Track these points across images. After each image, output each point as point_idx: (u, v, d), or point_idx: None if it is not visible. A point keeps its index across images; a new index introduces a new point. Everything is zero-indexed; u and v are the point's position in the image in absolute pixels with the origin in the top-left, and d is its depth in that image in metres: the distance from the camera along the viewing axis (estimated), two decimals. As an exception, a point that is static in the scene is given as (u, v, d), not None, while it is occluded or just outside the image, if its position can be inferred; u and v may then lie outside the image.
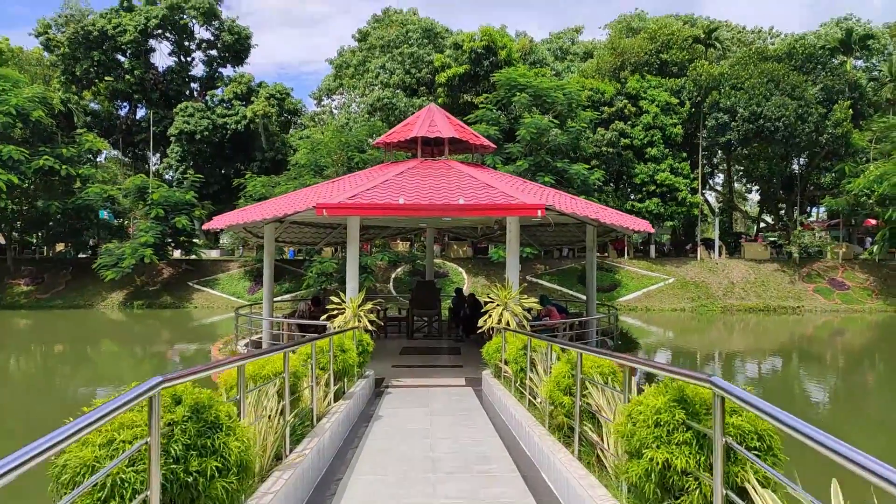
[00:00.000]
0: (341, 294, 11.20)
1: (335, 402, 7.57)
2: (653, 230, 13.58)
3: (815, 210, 51.25)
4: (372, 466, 5.85)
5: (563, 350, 6.52)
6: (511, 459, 6.05)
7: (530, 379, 7.38)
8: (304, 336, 12.98)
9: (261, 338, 15.06)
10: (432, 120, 15.05)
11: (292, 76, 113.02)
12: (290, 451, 5.05)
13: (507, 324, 10.91)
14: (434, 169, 13.93)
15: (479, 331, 11.32)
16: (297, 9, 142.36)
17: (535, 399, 7.18)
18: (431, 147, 15.64)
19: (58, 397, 15.54)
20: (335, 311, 11.13)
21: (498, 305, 11.12)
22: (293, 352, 6.11)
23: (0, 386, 17.00)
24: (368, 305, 11.24)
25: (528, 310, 11.58)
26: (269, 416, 4.65)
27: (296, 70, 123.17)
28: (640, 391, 3.88)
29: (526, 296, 11.48)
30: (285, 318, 14.09)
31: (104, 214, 44.92)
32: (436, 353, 15.14)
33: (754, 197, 60.34)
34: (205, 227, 14.95)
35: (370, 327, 10.94)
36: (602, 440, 4.51)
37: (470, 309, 17.02)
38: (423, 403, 9.40)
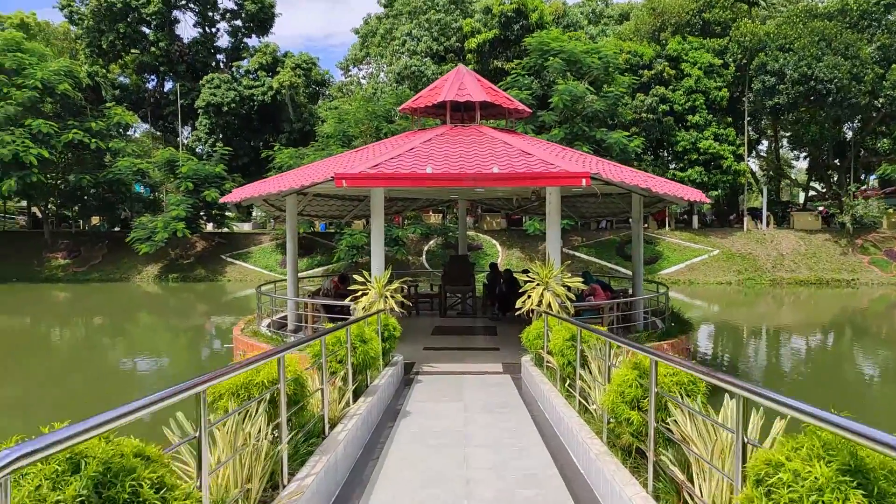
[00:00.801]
0: (365, 273, 10.23)
1: (354, 402, 6.62)
2: (708, 200, 12.27)
3: (867, 178, 48.46)
4: (392, 494, 4.88)
5: (620, 347, 5.44)
6: (563, 483, 5.00)
7: (581, 377, 6.31)
8: (330, 316, 12.13)
9: (285, 316, 14.28)
10: (462, 83, 13.84)
11: (319, 49, 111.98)
12: (290, 480, 4.09)
13: (549, 305, 9.83)
14: (464, 135, 12.78)
15: (518, 312, 10.25)
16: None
17: (587, 402, 6.12)
18: (461, 113, 14.45)
19: (96, 371, 15.15)
20: (359, 292, 10.18)
21: (538, 285, 10.03)
22: (300, 350, 5.13)
23: (43, 360, 16.66)
24: (395, 284, 10.25)
25: (571, 289, 10.47)
26: (257, 443, 3.66)
27: (323, 43, 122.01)
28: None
29: (569, 274, 10.35)
30: (310, 296, 13.22)
31: (140, 188, 44.91)
32: (470, 334, 14.15)
33: (801, 164, 57.52)
34: (222, 200, 14.10)
35: (397, 309, 9.96)
36: (693, 484, 3.43)
37: (506, 285, 15.96)
38: (456, 395, 8.44)
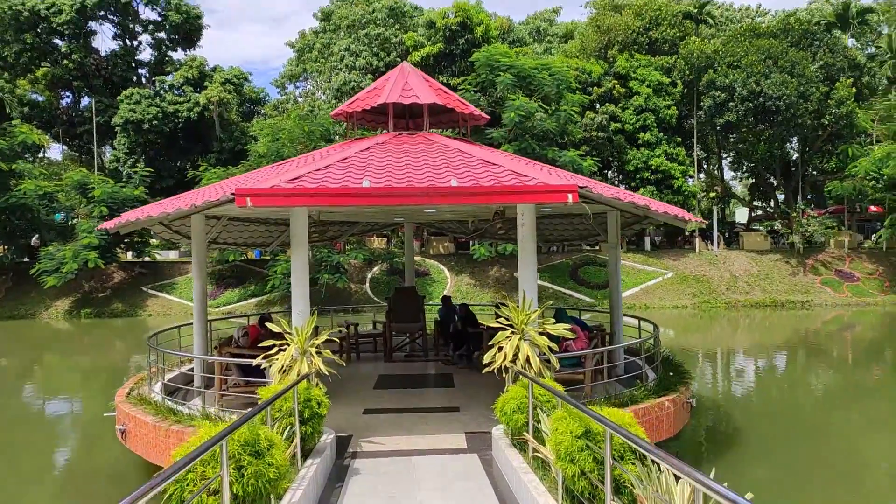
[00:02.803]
0: (282, 321, 7.64)
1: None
2: (705, 222, 10.18)
3: (813, 196, 48.58)
4: None
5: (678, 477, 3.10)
6: None
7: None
8: (246, 380, 9.41)
9: (189, 371, 11.37)
10: (406, 82, 11.49)
11: (259, 72, 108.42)
12: None
13: (527, 360, 7.46)
14: (411, 143, 10.40)
15: (485, 369, 7.84)
16: (263, 4, 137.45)
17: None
18: (406, 119, 12.10)
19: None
20: (275, 347, 7.57)
21: (514, 333, 7.65)
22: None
23: None
24: (323, 337, 7.67)
25: (558, 339, 8.14)
26: None
27: (263, 66, 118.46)
28: None
29: (552, 319, 8.03)
30: (220, 346, 10.45)
31: (59, 216, 40.54)
32: (422, 385, 11.64)
33: (746, 183, 57.65)
34: (99, 227, 11.23)
35: (325, 371, 7.39)
36: None
37: (462, 322, 13.57)
38: (407, 494, 5.96)
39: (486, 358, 7.79)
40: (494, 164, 8.53)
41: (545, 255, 41.18)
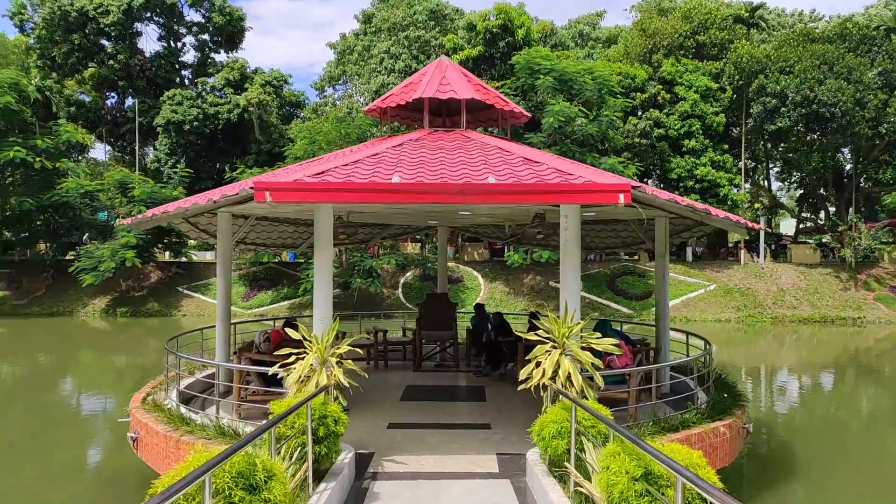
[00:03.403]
0: (303, 327, 7.05)
1: None
2: (766, 228, 9.28)
3: (865, 209, 46.38)
4: None
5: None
6: None
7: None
8: (266, 390, 8.86)
9: (212, 375, 10.91)
10: (444, 77, 10.87)
11: (301, 77, 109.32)
12: None
13: (569, 378, 6.72)
14: (447, 140, 9.78)
15: (520, 385, 7.12)
16: (304, 12, 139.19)
17: None
18: (443, 115, 11.48)
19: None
20: (292, 356, 6.98)
21: (554, 347, 6.92)
22: None
23: None
24: (344, 347, 7.06)
25: (600, 353, 7.37)
26: None
27: (306, 71, 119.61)
28: None
29: (596, 333, 7.29)
30: (239, 351, 9.94)
31: (104, 216, 41.08)
32: (451, 399, 10.96)
33: (793, 194, 55.50)
34: (119, 223, 10.89)
35: (344, 382, 6.77)
36: None
37: (496, 332, 12.85)
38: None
39: (522, 373, 7.08)
40: (536, 163, 7.83)
41: (582, 264, 40.06)
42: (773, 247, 44.06)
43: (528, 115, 11.78)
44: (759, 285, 37.50)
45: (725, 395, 8.96)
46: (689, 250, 41.84)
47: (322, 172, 7.16)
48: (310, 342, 6.94)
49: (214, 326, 11.02)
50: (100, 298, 37.30)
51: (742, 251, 41.21)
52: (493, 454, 7.61)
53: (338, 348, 7.04)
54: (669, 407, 9.26)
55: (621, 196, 6.43)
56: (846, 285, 37.49)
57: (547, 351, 6.90)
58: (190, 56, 47.73)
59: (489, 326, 13.81)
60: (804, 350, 28.21)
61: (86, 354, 25.87)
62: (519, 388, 7.09)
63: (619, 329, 11.16)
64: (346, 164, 7.72)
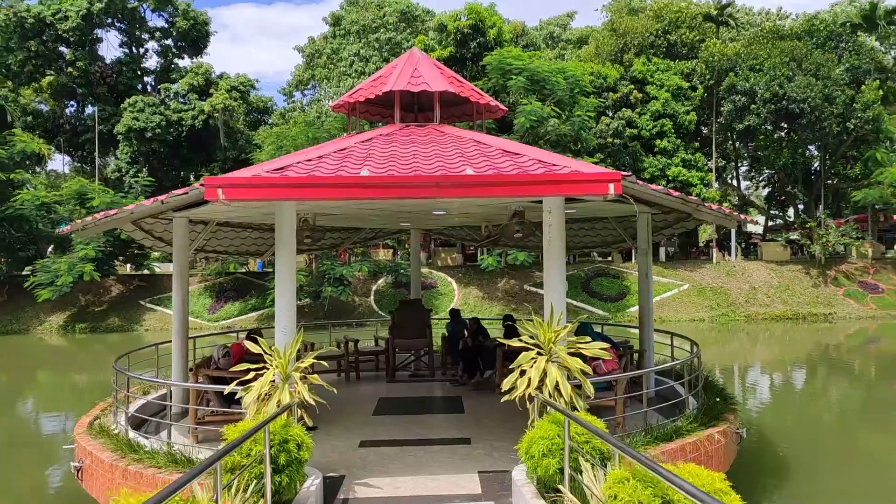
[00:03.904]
0: (262, 340, 6.34)
1: None
2: (757, 221, 8.80)
3: (835, 204, 46.91)
4: None
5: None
6: None
7: None
8: (224, 410, 8.10)
9: (164, 396, 10.05)
10: (415, 69, 10.24)
11: (271, 86, 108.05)
12: None
13: (556, 387, 6.13)
14: (420, 135, 9.16)
15: (504, 396, 6.51)
16: (274, 20, 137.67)
17: None
18: (415, 111, 10.85)
19: None
20: (251, 371, 6.27)
21: (539, 353, 6.32)
22: None
23: None
24: (309, 360, 6.37)
25: (589, 359, 6.79)
26: None
27: (275, 80, 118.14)
28: None
29: (587, 338, 6.71)
30: (195, 368, 9.15)
31: (64, 226, 39.30)
32: (427, 411, 10.29)
33: (760, 193, 56.01)
34: (58, 232, 9.93)
35: (309, 400, 6.08)
36: None
37: (472, 339, 12.23)
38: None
39: (506, 383, 6.46)
40: (517, 154, 7.26)
41: (558, 267, 39.68)
42: (743, 245, 44.31)
43: (504, 108, 11.22)
44: (732, 284, 37.55)
45: (718, 400, 8.45)
46: (661, 250, 41.82)
47: (283, 168, 6.49)
48: (270, 356, 6.23)
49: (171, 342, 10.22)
50: (57, 314, 35.77)
51: (714, 250, 41.32)
52: (475, 472, 6.98)
53: (302, 362, 6.35)
54: (658, 414, 8.76)
55: (611, 186, 5.87)
56: (816, 281, 37.77)
57: (532, 358, 6.30)
58: (153, 62, 46.42)
59: (465, 333, 13.21)
60: (780, 347, 28.16)
61: (42, 374, 24.58)
62: (503, 400, 6.48)
63: (600, 332, 10.62)
64: (310, 160, 7.06)
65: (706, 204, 7.23)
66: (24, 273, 38.95)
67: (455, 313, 13.87)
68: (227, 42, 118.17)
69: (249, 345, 6.47)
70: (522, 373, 6.39)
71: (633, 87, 36.82)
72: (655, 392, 10.41)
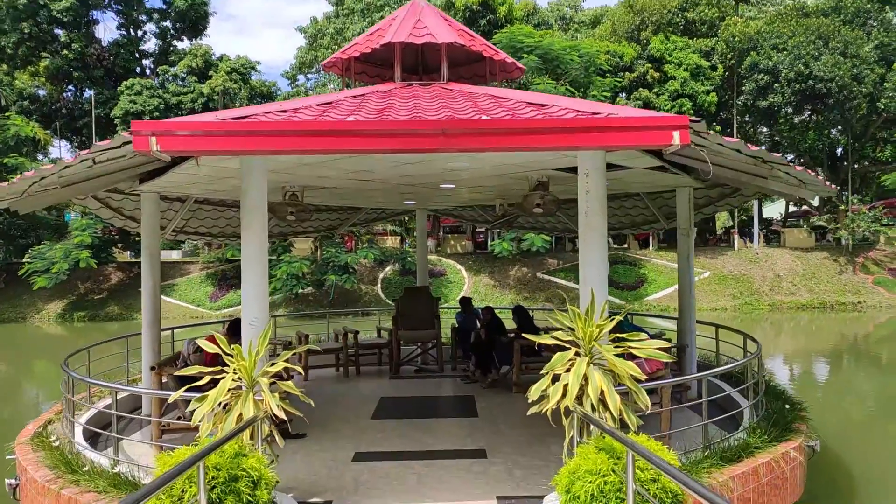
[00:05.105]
0: (219, 336, 4.96)
1: None
2: (834, 188, 7.30)
3: (864, 189, 45.05)
4: None
5: None
6: None
7: None
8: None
9: (133, 403, 8.74)
10: (418, 20, 8.78)
11: (276, 74, 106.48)
12: None
13: (601, 399, 4.71)
14: (424, 91, 7.72)
15: (532, 408, 5.09)
16: (284, 10, 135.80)
17: None
18: (419, 72, 9.37)
19: None
20: (205, 376, 4.89)
21: (577, 354, 4.90)
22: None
23: None
24: (281, 362, 4.97)
25: (635, 358, 5.37)
26: None
27: (282, 68, 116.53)
28: None
29: (643, 335, 5.29)
30: (159, 367, 7.80)
31: (70, 217, 38.35)
32: (435, 413, 8.90)
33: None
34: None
35: (278, 413, 4.69)
36: None
37: (486, 331, 10.82)
38: None
39: (533, 392, 5.02)
40: (544, 105, 5.79)
41: (569, 254, 38.25)
42: (764, 231, 42.62)
43: (522, 67, 9.72)
44: (755, 271, 35.95)
45: (787, 406, 6.99)
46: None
47: (245, 116, 5.07)
48: (231, 356, 4.84)
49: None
50: (56, 302, 34.69)
51: (734, 236, 39.68)
52: (493, 499, 5.60)
53: (274, 364, 4.95)
54: (699, 418, 7.38)
55: (676, 135, 4.41)
56: (844, 269, 36.09)
57: (570, 360, 4.87)
58: (151, 44, 44.93)
59: (478, 323, 11.83)
60: (808, 338, 26.60)
61: (39, 364, 23.44)
62: (529, 413, 5.06)
63: (637, 325, 9.20)
64: (284, 111, 5.64)
65: (784, 166, 5.73)
66: (24, 261, 37.93)
67: (466, 302, 12.48)
68: (234, 34, 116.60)
69: (207, 345, 5.08)
70: (555, 378, 4.97)
71: (650, 66, 35.11)
72: (699, 394, 9.01)
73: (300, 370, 6.27)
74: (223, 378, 4.63)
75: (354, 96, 6.99)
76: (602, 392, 4.72)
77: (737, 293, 34.34)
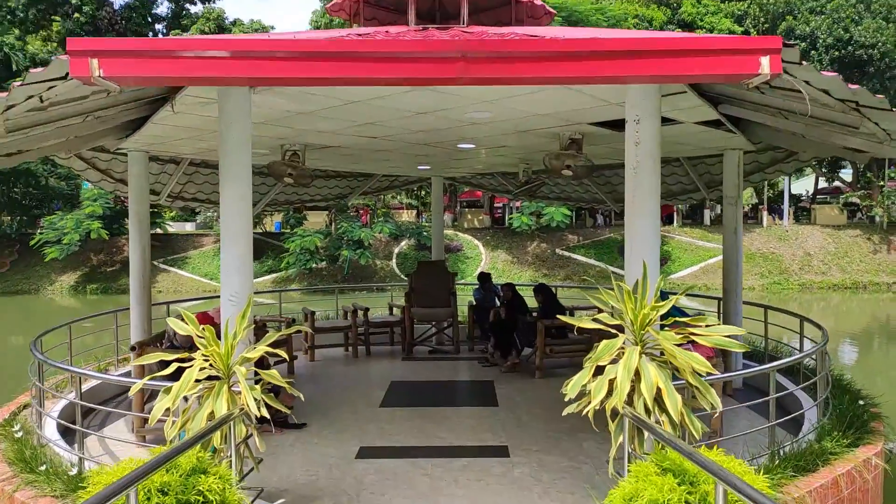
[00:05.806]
0: (188, 315, 4.07)
1: None
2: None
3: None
4: None
5: None
6: None
7: None
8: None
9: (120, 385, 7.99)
10: (437, -45, 7.73)
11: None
12: None
13: (657, 399, 3.75)
14: (442, 33, 6.66)
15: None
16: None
17: None
18: (436, 15, 8.31)
19: None
20: (169, 363, 4.02)
21: (627, 342, 3.94)
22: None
23: None
24: (262, 346, 4.06)
25: (690, 344, 4.40)
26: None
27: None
28: None
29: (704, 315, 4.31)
30: (139, 347, 6.97)
31: (87, 185, 37.92)
32: (450, 403, 7.99)
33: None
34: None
35: (256, 411, 3.79)
36: None
37: (507, 310, 9.89)
38: None
39: (570, 388, 4.07)
40: (585, 39, 4.75)
41: (590, 230, 37.11)
42: (793, 208, 41.09)
43: (552, 11, 8.62)
44: (784, 249, 34.56)
45: (861, 403, 5.98)
46: (706, 213, 38.89)
47: (221, 41, 4.10)
48: (203, 338, 3.94)
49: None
50: (69, 274, 34.31)
51: (763, 213, 38.24)
52: (518, 508, 4.71)
53: (255, 349, 4.05)
54: (747, 413, 6.44)
55: (765, 61, 3.38)
56: (878, 248, 34.58)
57: (619, 349, 3.91)
58: (164, 8, 44.08)
59: (497, 301, 10.91)
60: (845, 319, 25.36)
61: (50, 337, 22.95)
62: (565, 413, 4.13)
63: (680, 308, 8.19)
64: (275, 39, 4.66)
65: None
66: (34, 232, 37.58)
67: (485, 277, 11.54)
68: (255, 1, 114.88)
69: (177, 325, 4.18)
70: (597, 371, 4.02)
71: (680, 31, 33.44)
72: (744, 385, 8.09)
73: (284, 355, 5.39)
74: (178, 371, 3.76)
75: (359, 34, 5.99)
76: (659, 390, 3.76)
77: (765, 272, 33.04)
